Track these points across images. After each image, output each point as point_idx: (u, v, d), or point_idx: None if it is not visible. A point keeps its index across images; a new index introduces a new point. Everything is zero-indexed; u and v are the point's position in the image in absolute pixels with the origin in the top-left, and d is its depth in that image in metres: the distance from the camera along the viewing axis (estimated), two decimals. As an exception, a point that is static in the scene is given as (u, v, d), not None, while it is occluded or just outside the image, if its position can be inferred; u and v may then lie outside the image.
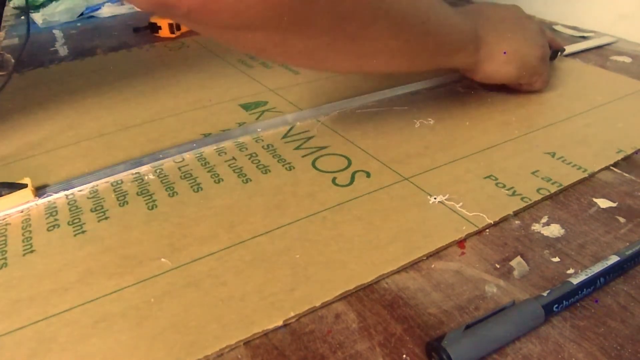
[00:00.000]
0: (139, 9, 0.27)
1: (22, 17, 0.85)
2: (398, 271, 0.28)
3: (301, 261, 0.29)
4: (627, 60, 0.57)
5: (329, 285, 0.27)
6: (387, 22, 0.32)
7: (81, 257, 0.30)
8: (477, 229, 0.31)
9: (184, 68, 0.59)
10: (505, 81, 0.45)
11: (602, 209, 0.33)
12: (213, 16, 0.27)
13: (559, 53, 0.54)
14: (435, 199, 0.34)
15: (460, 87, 0.50)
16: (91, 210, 0.34)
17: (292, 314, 0.25)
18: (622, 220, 0.32)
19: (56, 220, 0.33)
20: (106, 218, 0.33)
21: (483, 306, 0.26)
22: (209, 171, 0.38)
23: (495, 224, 0.32)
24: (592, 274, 0.26)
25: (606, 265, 0.27)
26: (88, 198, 0.35)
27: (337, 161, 0.38)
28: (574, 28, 0.68)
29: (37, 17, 0.80)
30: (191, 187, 0.36)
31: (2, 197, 0.34)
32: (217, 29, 0.29)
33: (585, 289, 0.26)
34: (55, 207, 0.35)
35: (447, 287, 0.27)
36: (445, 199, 0.33)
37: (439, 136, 0.41)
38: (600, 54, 0.59)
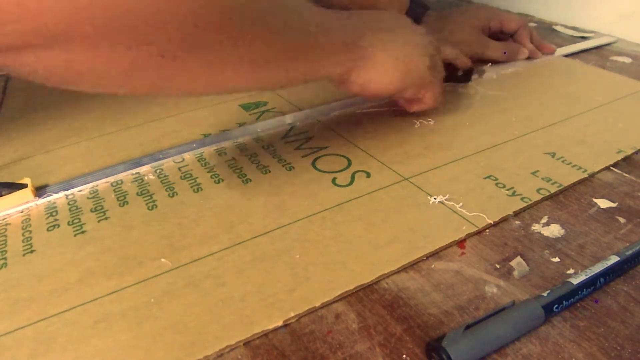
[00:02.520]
0: None
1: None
2: (398, 271, 0.28)
3: (301, 261, 0.29)
4: (627, 60, 0.57)
5: (329, 286, 0.27)
6: (267, 27, 0.28)
7: (81, 257, 0.30)
8: (477, 229, 0.31)
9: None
10: (387, 93, 0.38)
11: (602, 209, 0.33)
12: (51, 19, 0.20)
13: (473, 73, 0.50)
14: (435, 199, 0.34)
15: (461, 87, 0.50)
16: (91, 211, 0.34)
17: (292, 314, 0.25)
18: (622, 220, 0.32)
19: (56, 220, 0.33)
20: (106, 218, 0.33)
21: (483, 306, 0.26)
22: (209, 171, 0.38)
23: (495, 224, 0.32)
24: (592, 274, 0.26)
25: (606, 266, 0.27)
26: (88, 198, 0.35)
27: (337, 161, 0.38)
28: (574, 28, 0.68)
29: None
30: (191, 187, 0.36)
31: (2, 197, 0.34)
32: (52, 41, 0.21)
33: (585, 289, 0.26)
34: (55, 207, 0.35)
35: (447, 287, 0.27)
36: (445, 199, 0.33)
37: (439, 136, 0.41)
38: (600, 54, 0.59)
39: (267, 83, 0.33)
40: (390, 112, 0.45)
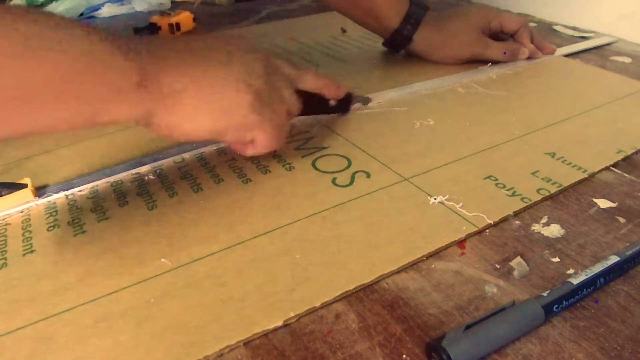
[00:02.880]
0: None
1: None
2: (398, 271, 0.28)
3: (301, 261, 0.29)
4: (627, 60, 0.57)
5: (329, 286, 0.27)
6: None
7: (81, 257, 0.30)
8: (477, 229, 0.31)
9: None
10: (199, 138, 0.32)
11: (602, 209, 0.33)
12: None
13: (352, 102, 0.44)
14: (435, 199, 0.34)
15: (460, 87, 0.50)
16: (91, 211, 0.34)
17: (292, 314, 0.25)
18: (622, 220, 0.32)
19: (56, 220, 0.33)
20: (106, 218, 0.33)
21: (483, 306, 0.26)
22: (209, 171, 0.38)
23: (495, 224, 0.32)
24: (592, 274, 0.26)
25: (606, 266, 0.27)
26: (88, 198, 0.35)
27: (337, 161, 0.38)
28: (574, 28, 0.68)
29: (37, 17, 0.80)
30: (191, 187, 0.36)
31: (2, 197, 0.34)
32: None
33: (585, 289, 0.26)
34: (55, 207, 0.35)
35: (447, 287, 0.27)
36: (445, 200, 0.33)
37: (439, 136, 0.41)
38: (600, 54, 0.59)
39: (40, 127, 0.26)
40: (389, 113, 0.45)
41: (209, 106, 0.30)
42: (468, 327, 0.23)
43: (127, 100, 0.28)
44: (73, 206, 0.35)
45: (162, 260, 0.29)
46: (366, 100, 0.46)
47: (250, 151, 0.34)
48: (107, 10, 0.84)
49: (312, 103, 0.38)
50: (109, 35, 0.26)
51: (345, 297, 0.27)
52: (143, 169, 0.38)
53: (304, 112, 0.37)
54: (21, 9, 0.24)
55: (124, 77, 0.27)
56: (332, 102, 0.41)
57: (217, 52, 0.32)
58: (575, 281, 0.26)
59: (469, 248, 0.30)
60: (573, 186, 0.35)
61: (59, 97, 0.25)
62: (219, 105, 0.31)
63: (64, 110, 0.26)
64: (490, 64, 0.55)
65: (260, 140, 0.33)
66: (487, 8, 0.60)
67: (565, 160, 0.38)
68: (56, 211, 0.34)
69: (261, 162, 0.39)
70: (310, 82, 0.38)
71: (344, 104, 0.43)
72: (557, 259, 0.29)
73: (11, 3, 0.87)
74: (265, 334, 0.25)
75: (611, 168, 0.37)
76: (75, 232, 0.32)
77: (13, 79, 0.23)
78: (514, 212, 0.32)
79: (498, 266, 0.29)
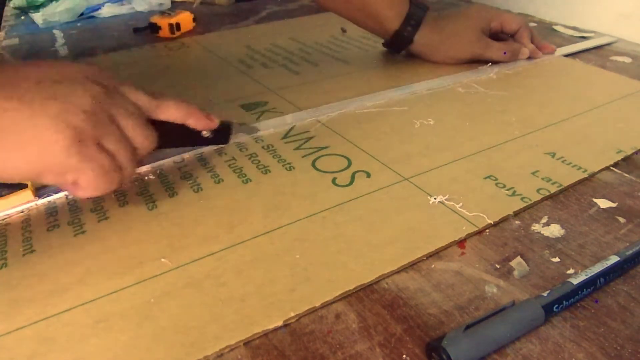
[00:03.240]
0: None
1: (23, 17, 0.85)
2: (398, 271, 0.28)
3: (301, 261, 0.29)
4: (627, 60, 0.57)
5: (329, 286, 0.27)
6: None
7: (81, 257, 0.30)
8: (477, 229, 0.31)
9: (184, 68, 0.59)
10: (10, 180, 0.30)
11: (602, 209, 0.33)
12: None
13: (231, 132, 0.39)
14: (435, 199, 0.34)
15: (460, 87, 0.50)
16: (91, 211, 0.34)
17: (292, 314, 0.25)
18: (622, 220, 0.32)
19: (56, 220, 0.33)
20: (106, 218, 0.33)
21: (483, 306, 0.26)
22: (208, 171, 0.38)
23: (495, 224, 0.32)
24: (592, 274, 0.26)
25: (606, 266, 0.27)
26: (88, 198, 0.35)
27: (337, 161, 0.38)
28: (574, 28, 0.68)
29: (37, 17, 0.80)
30: (191, 187, 0.36)
31: (2, 198, 0.34)
32: None
33: (585, 289, 0.26)
34: (55, 207, 0.35)
35: (447, 288, 0.27)
36: (445, 199, 0.33)
37: (439, 136, 0.41)
38: (600, 54, 0.59)
39: None
40: (389, 113, 0.45)
41: (16, 149, 0.27)
42: (468, 327, 0.23)
43: None
44: (73, 206, 0.35)
45: (162, 260, 0.29)
46: (252, 130, 0.43)
47: (80, 193, 0.30)
48: (107, 10, 0.84)
49: (177, 134, 0.35)
50: None
51: (345, 297, 0.27)
52: (143, 169, 0.38)
53: (167, 144, 0.34)
54: None
55: None
56: (206, 133, 0.36)
57: (40, 84, 0.28)
58: (575, 281, 0.26)
59: (469, 248, 0.30)
60: (573, 186, 0.35)
61: None
62: (32, 147, 0.27)
63: None
64: (490, 64, 0.55)
65: (82, 183, 0.29)
66: (487, 8, 0.60)
67: (565, 160, 0.38)
68: (56, 211, 0.34)
69: (261, 162, 0.39)
70: (172, 112, 0.34)
71: (222, 135, 0.38)
72: (557, 259, 0.29)
73: (10, 3, 0.87)
74: (265, 334, 0.25)
75: (611, 168, 0.37)
76: (75, 232, 0.32)
77: None
78: (514, 212, 0.32)
79: (498, 266, 0.29)
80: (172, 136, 0.34)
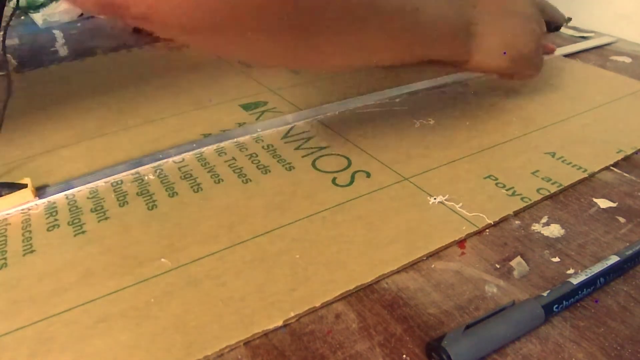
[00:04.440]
0: (82, 11, 0.27)
1: (22, 17, 0.85)
2: (398, 271, 0.28)
3: (301, 261, 0.29)
4: (627, 60, 0.57)
5: (329, 286, 0.27)
6: (379, 12, 0.31)
7: (81, 257, 0.30)
8: (477, 229, 0.31)
9: (184, 68, 0.59)
10: (496, 72, 0.43)
11: (602, 209, 0.33)
12: (179, 17, 0.24)
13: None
14: (435, 199, 0.34)
15: (460, 87, 0.50)
16: (91, 211, 0.34)
17: (292, 314, 0.25)
18: (622, 220, 0.32)
19: (56, 220, 0.33)
20: (106, 218, 0.33)
21: (483, 306, 0.26)
22: (209, 171, 0.38)
23: (495, 224, 0.32)
24: (592, 274, 0.26)
25: (606, 266, 0.27)
26: (88, 198, 0.35)
27: (337, 161, 0.38)
28: (574, 28, 0.68)
29: (37, 17, 0.80)
30: (191, 187, 0.36)
31: (2, 197, 0.34)
32: (183, 32, 0.26)
33: (585, 289, 0.26)
34: (55, 207, 0.35)
35: (447, 287, 0.27)
36: (445, 199, 0.33)
37: (439, 136, 0.41)
38: (600, 54, 0.59)
39: (397, 61, 0.37)
40: (389, 113, 0.45)
41: (508, 51, 0.39)
42: (468, 327, 0.23)
43: (455, 45, 0.38)
44: (73, 206, 0.35)
45: (162, 260, 0.29)
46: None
47: (517, 78, 0.45)
48: (107, 10, 0.84)
49: None
50: None
51: (345, 297, 0.27)
52: (143, 169, 0.38)
53: None
54: None
55: (458, 27, 0.37)
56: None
57: (508, 6, 0.41)
58: (575, 281, 0.26)
59: (469, 248, 0.30)
60: (573, 186, 0.35)
61: (423, 44, 0.36)
62: (516, 51, 0.40)
63: (419, 49, 0.36)
64: None
65: (527, 72, 0.44)
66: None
67: (565, 160, 0.38)
68: (56, 211, 0.34)
69: (261, 162, 0.39)
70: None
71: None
72: (557, 259, 0.29)
73: (10, 3, 0.87)
74: (265, 334, 0.25)
75: (611, 168, 0.37)
76: (75, 232, 0.32)
77: (387, 29, 0.32)
78: (514, 212, 0.32)
79: (498, 266, 0.29)
80: None
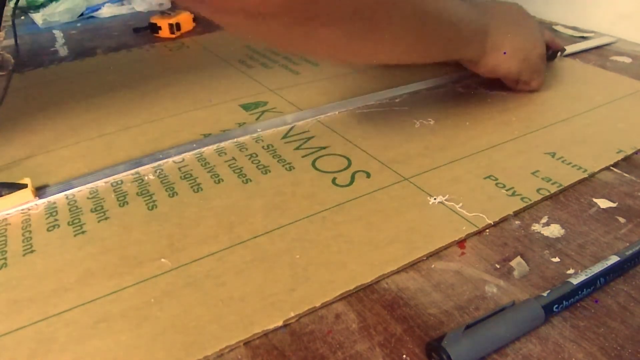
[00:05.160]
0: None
1: (23, 17, 0.85)
2: (398, 271, 0.28)
3: (301, 261, 0.29)
4: (627, 60, 0.57)
5: (329, 286, 0.27)
6: (407, 12, 0.33)
7: (81, 257, 0.30)
8: (477, 229, 0.31)
9: (184, 68, 0.59)
10: (505, 76, 0.45)
11: (602, 209, 0.33)
12: (242, 2, 0.27)
13: (559, 53, 0.54)
14: (435, 199, 0.34)
15: (460, 87, 0.50)
16: (91, 211, 0.34)
17: (292, 314, 0.25)
18: (622, 220, 0.32)
19: (56, 220, 0.33)
20: (106, 218, 0.33)
21: (483, 306, 0.26)
22: (209, 171, 0.38)
23: (495, 224, 0.32)
24: (592, 274, 0.26)
25: (606, 266, 0.27)
26: (88, 198, 0.35)
27: (337, 161, 0.38)
28: (574, 28, 0.68)
29: (37, 17, 0.80)
30: (191, 187, 0.36)
31: (2, 197, 0.34)
32: (241, 17, 0.29)
33: (585, 289, 0.26)
34: (55, 207, 0.35)
35: (447, 287, 0.27)
36: (445, 200, 0.33)
37: (439, 136, 0.41)
38: (600, 54, 0.59)
39: (406, 60, 0.42)
40: (389, 113, 0.45)
41: (517, 55, 0.43)
42: (468, 327, 0.23)
43: (469, 49, 0.42)
44: (73, 206, 0.35)
45: (162, 260, 0.29)
46: (563, 50, 0.54)
47: (521, 87, 0.47)
48: (107, 11, 0.84)
49: None
50: (456, 0, 0.38)
51: (345, 297, 0.27)
52: (143, 169, 0.38)
53: None
54: None
55: (472, 33, 0.40)
56: (549, 52, 0.51)
57: (518, 14, 0.46)
58: (575, 281, 0.26)
59: (469, 248, 0.30)
60: (573, 186, 0.35)
61: (445, 45, 0.39)
62: (524, 55, 0.44)
63: (440, 50, 0.40)
64: None
65: (536, 82, 0.47)
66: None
67: (565, 160, 0.38)
68: (56, 211, 0.34)
69: (261, 162, 0.39)
70: (547, 36, 0.50)
71: (554, 55, 0.54)
72: (557, 259, 0.29)
73: (10, 3, 0.87)
74: (265, 334, 0.25)
75: (611, 168, 0.37)
76: (75, 232, 0.32)
77: (414, 29, 0.35)
78: (514, 212, 0.32)
79: (498, 266, 0.29)
80: None
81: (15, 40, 0.42)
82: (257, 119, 0.45)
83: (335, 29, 0.31)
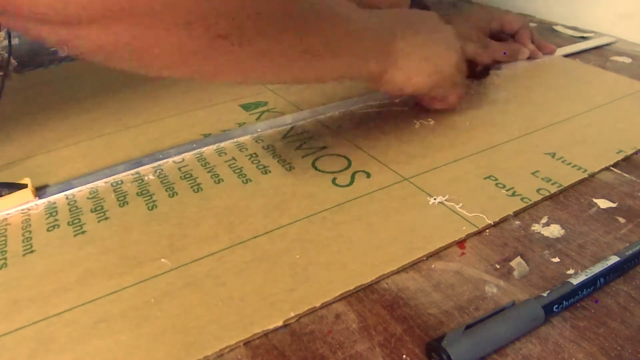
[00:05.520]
0: None
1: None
2: (398, 271, 0.28)
3: (301, 261, 0.29)
4: (627, 60, 0.57)
5: (329, 286, 0.27)
6: (302, 23, 0.29)
7: (81, 257, 0.30)
8: (477, 229, 0.31)
9: (184, 68, 0.59)
10: (415, 92, 0.40)
11: (602, 209, 0.33)
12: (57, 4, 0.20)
13: (489, 71, 0.51)
14: (435, 199, 0.34)
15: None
16: (91, 211, 0.34)
17: (292, 314, 0.25)
18: (622, 220, 0.32)
19: (56, 220, 0.33)
20: (106, 218, 0.33)
21: (483, 306, 0.26)
22: (209, 171, 0.38)
23: (495, 224, 0.32)
24: (592, 274, 0.26)
25: (606, 266, 0.27)
26: (88, 198, 0.35)
27: (337, 161, 0.38)
28: (574, 28, 0.68)
29: (37, 17, 0.80)
30: (191, 187, 0.36)
31: (2, 197, 0.34)
32: (58, 26, 0.22)
33: (585, 290, 0.26)
34: (55, 207, 0.35)
35: (447, 288, 0.27)
36: (445, 200, 0.33)
37: (439, 136, 0.41)
38: (600, 54, 0.59)
39: (306, 78, 0.35)
40: (389, 113, 0.45)
41: (428, 68, 0.37)
42: (468, 327, 0.23)
43: (372, 62, 0.35)
44: (73, 206, 0.35)
45: (162, 260, 0.29)
46: (498, 67, 0.52)
47: (438, 105, 0.42)
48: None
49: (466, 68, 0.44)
50: (358, 9, 0.33)
51: (345, 297, 0.27)
52: (143, 169, 0.38)
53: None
54: None
55: (375, 43, 0.35)
56: (479, 68, 0.48)
57: (429, 23, 0.40)
58: (575, 281, 0.26)
59: (469, 248, 0.30)
60: (573, 186, 0.35)
61: (334, 57, 0.32)
62: (435, 68, 0.38)
63: (331, 67, 0.33)
64: None
65: (452, 97, 0.41)
66: (488, 9, 0.60)
67: (565, 160, 0.38)
68: (56, 211, 0.34)
69: (261, 162, 0.39)
70: (470, 50, 0.47)
71: (486, 71, 0.50)
72: (557, 259, 0.29)
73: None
74: (265, 334, 0.25)
75: (611, 168, 0.37)
76: (75, 232, 0.32)
77: (313, 41, 0.30)
78: (514, 212, 0.32)
79: (498, 266, 0.29)
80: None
81: (9, 41, 0.42)
82: (257, 119, 0.45)
83: (204, 40, 0.24)
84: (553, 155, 0.38)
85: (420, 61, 0.37)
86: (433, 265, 0.29)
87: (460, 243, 0.30)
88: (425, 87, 0.39)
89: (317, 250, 0.30)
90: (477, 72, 0.49)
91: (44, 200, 0.35)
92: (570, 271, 0.28)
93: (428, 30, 0.39)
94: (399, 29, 0.36)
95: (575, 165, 0.37)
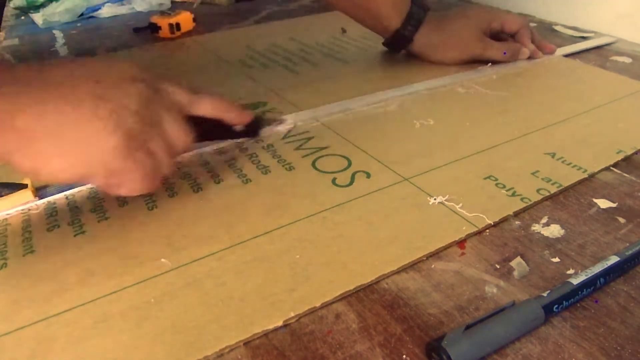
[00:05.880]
0: None
1: (23, 17, 0.85)
2: (398, 271, 0.28)
3: (301, 261, 0.29)
4: (627, 60, 0.57)
5: (329, 286, 0.27)
6: None
7: (81, 257, 0.30)
8: (477, 229, 0.31)
9: (184, 68, 0.59)
10: (63, 181, 0.28)
11: (602, 209, 0.33)
12: None
13: (263, 125, 0.42)
14: (435, 199, 0.34)
15: (460, 87, 0.50)
16: (91, 211, 0.34)
17: (292, 314, 0.25)
18: (622, 220, 0.32)
19: (56, 220, 0.33)
20: (106, 218, 0.33)
21: (483, 306, 0.26)
22: (208, 171, 0.38)
23: (495, 224, 0.32)
24: (592, 274, 0.26)
25: (606, 266, 0.27)
26: (88, 198, 0.35)
27: (337, 162, 0.38)
28: (574, 28, 0.68)
29: (37, 17, 0.80)
30: (191, 187, 0.36)
31: (2, 198, 0.34)
32: None
33: (585, 290, 0.26)
34: (55, 207, 0.35)
35: (447, 288, 0.27)
36: (445, 200, 0.33)
37: (439, 136, 0.41)
38: (600, 54, 0.59)
39: None
40: (389, 113, 0.45)
41: (67, 153, 0.27)
42: (468, 327, 0.23)
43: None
44: (73, 206, 0.35)
45: (162, 260, 0.29)
46: (281, 121, 0.43)
47: (115, 191, 0.30)
48: (107, 10, 0.84)
49: (213, 129, 0.36)
50: None
51: (345, 297, 0.27)
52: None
53: (203, 139, 0.35)
54: None
55: None
56: (239, 127, 0.37)
57: (88, 83, 0.28)
58: (575, 281, 0.26)
59: (469, 248, 0.30)
60: (573, 186, 0.35)
61: None
62: (79, 152, 0.27)
63: None
64: (490, 64, 0.55)
65: (128, 185, 0.30)
66: (488, 8, 0.60)
67: (565, 160, 0.38)
68: (56, 211, 0.34)
69: (261, 162, 0.39)
70: (207, 108, 0.35)
71: (253, 129, 0.39)
72: (557, 259, 0.29)
73: (11, 3, 0.87)
74: (265, 334, 0.25)
75: (611, 168, 0.37)
76: (75, 232, 0.32)
77: None
78: (514, 212, 0.32)
79: (498, 266, 0.29)
80: (206, 131, 0.35)
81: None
82: (257, 119, 0.45)
83: None
84: (553, 155, 0.38)
85: (54, 147, 0.27)
86: (433, 265, 0.29)
87: (460, 243, 0.30)
88: (69, 177, 0.28)
89: (317, 250, 0.30)
90: (237, 132, 0.38)
91: (44, 201, 0.35)
92: (570, 271, 0.28)
93: (68, 102, 0.27)
94: (24, 105, 0.26)
95: (575, 165, 0.37)
